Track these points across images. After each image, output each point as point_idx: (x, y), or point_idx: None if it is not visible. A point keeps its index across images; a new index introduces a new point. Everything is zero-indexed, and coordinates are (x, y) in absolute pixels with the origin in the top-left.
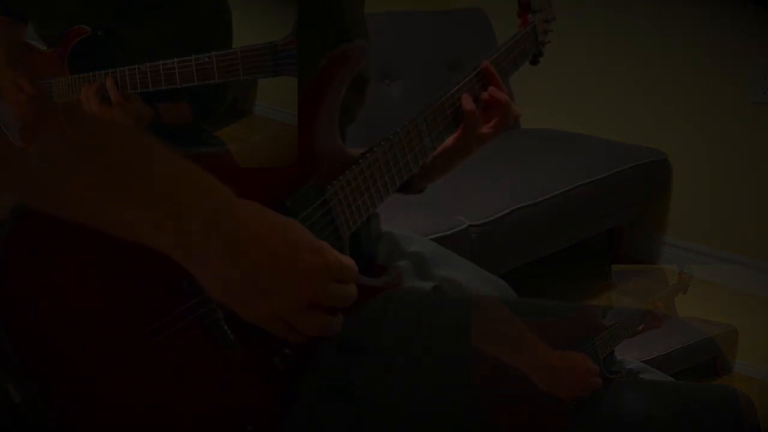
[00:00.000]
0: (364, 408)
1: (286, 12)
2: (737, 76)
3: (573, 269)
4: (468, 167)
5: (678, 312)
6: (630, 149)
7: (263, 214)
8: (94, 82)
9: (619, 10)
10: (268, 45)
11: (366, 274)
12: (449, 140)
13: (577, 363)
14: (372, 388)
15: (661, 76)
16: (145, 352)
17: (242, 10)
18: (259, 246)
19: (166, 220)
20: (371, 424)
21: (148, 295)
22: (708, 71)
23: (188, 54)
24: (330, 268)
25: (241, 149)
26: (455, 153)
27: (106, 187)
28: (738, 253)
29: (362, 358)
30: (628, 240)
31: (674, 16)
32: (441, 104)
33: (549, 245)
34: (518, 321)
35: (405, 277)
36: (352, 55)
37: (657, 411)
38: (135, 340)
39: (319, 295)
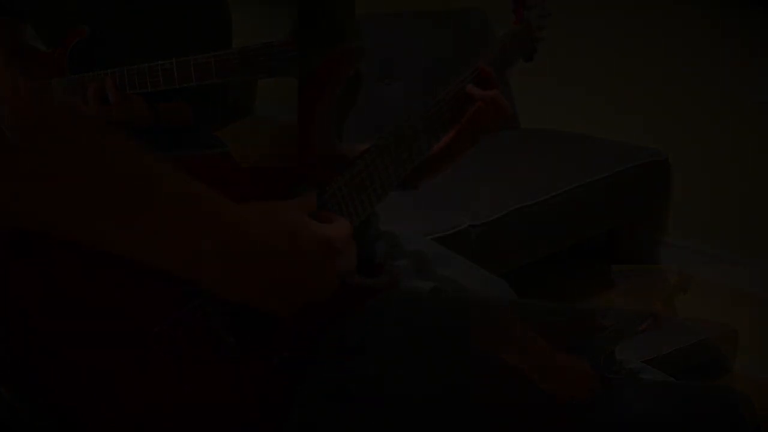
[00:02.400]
0: (362, 409)
1: (285, 12)
2: (738, 76)
3: (573, 269)
4: (468, 167)
5: (678, 312)
6: (630, 149)
7: (270, 221)
8: (94, 82)
9: (619, 10)
10: (267, 45)
11: (364, 274)
12: (445, 139)
13: (576, 366)
14: (370, 388)
15: (661, 76)
16: (145, 356)
17: (242, 10)
18: (272, 258)
19: (177, 245)
20: (369, 424)
21: (145, 299)
22: (708, 71)
23: (187, 54)
24: (339, 254)
25: (241, 149)
26: (450, 151)
27: (107, 210)
28: (738, 253)
29: (361, 358)
30: (628, 240)
31: (674, 16)
32: (437, 103)
33: (549, 245)
34: (518, 321)
35: (405, 277)
36: (347, 56)
37: (657, 411)
38: (134, 344)
39: (331, 279)
